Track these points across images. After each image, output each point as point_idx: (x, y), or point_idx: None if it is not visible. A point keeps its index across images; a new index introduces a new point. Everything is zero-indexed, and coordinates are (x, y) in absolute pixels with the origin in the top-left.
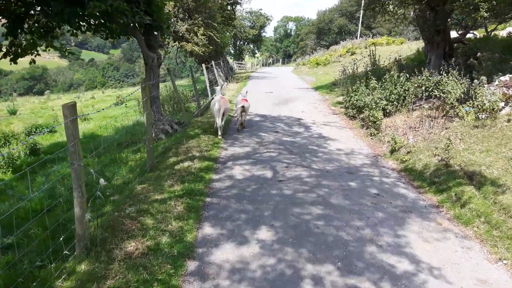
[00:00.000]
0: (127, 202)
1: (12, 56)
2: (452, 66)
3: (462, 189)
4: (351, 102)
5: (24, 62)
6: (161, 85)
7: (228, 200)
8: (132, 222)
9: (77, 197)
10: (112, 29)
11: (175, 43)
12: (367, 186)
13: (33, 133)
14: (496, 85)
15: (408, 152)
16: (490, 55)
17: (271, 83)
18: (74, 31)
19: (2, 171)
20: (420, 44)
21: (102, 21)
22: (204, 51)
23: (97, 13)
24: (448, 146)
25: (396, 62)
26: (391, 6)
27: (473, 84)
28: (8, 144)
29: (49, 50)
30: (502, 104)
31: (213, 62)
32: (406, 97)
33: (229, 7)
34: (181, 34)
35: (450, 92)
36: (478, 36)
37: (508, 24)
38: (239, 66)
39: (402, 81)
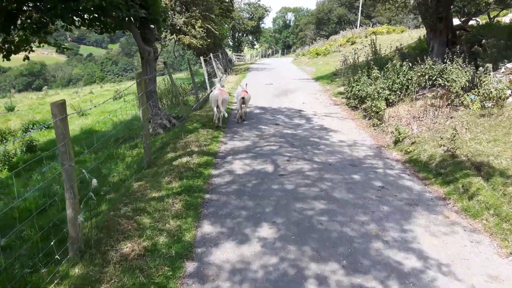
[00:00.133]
0: (123, 201)
1: (5, 53)
2: (457, 53)
3: (469, 181)
4: (352, 92)
5: (22, 58)
6: (159, 78)
7: (228, 196)
8: (128, 222)
9: (69, 198)
10: (107, 24)
11: (172, 36)
12: (371, 178)
13: (30, 130)
14: (502, 72)
15: (413, 143)
16: (495, 42)
17: (270, 74)
18: (68, 26)
19: None
20: (421, 32)
21: (96, 15)
22: (202, 43)
23: (91, 8)
24: (454, 136)
25: (397, 51)
26: None
27: (478, 72)
28: (5, 141)
29: (43, 46)
30: (509, 92)
31: (211, 55)
32: (409, 86)
33: None
34: (178, 27)
35: (455, 81)
36: (480, 23)
37: (510, 10)
38: (238, 58)
39: (404, 70)
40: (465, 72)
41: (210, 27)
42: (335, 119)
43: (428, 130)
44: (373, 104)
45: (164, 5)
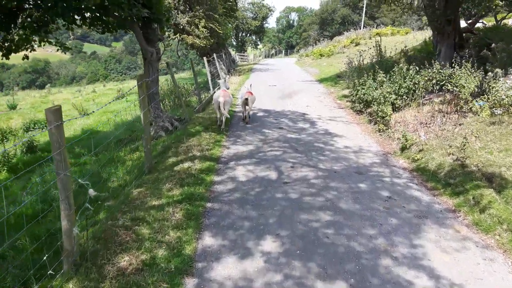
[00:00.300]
0: (122, 209)
1: (4, 52)
2: (465, 57)
3: (480, 192)
4: (358, 96)
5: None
6: (162, 78)
7: (230, 205)
8: (127, 233)
9: (65, 209)
10: (109, 23)
11: (175, 36)
12: (378, 188)
13: (32, 129)
14: None
15: (420, 150)
16: (505, 46)
17: (274, 76)
18: (69, 25)
19: None
20: (425, 34)
21: (98, 14)
22: (205, 43)
23: (92, 6)
24: (464, 145)
25: (403, 53)
26: None
27: (487, 77)
28: (5, 140)
29: (44, 45)
30: None
31: (214, 55)
32: (416, 91)
33: None
34: (181, 26)
35: (464, 86)
36: (486, 26)
37: None
38: (242, 58)
39: (411, 74)
40: (474, 77)
41: (213, 26)
42: (340, 124)
43: (436, 137)
44: (379, 109)
45: (167, 4)
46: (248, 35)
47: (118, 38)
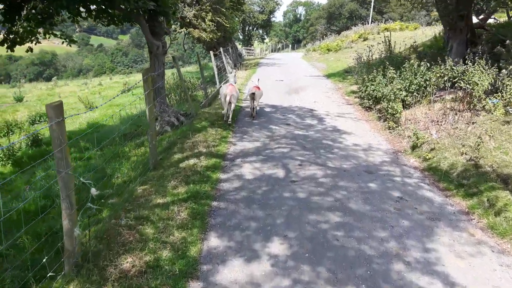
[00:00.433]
0: (126, 207)
1: (9, 44)
2: (479, 54)
3: (495, 194)
4: (367, 92)
5: (34, 47)
6: (168, 72)
7: (237, 205)
8: (130, 232)
9: (66, 209)
10: (114, 15)
11: (182, 30)
12: (389, 188)
13: (38, 122)
14: None
15: (432, 149)
16: None
17: (281, 70)
18: (74, 17)
19: (2, 164)
20: (435, 29)
21: (103, 6)
22: (212, 37)
23: None
24: (478, 144)
25: (412, 49)
26: None
27: (500, 74)
28: (11, 133)
29: (49, 37)
30: None
31: (221, 49)
32: (427, 88)
33: None
34: (188, 20)
35: (477, 84)
36: (498, 22)
37: None
38: (248, 52)
39: (422, 71)
40: (488, 74)
41: (220, 20)
42: (349, 120)
43: (448, 135)
44: (389, 106)
45: None
46: (254, 29)
47: (125, 31)
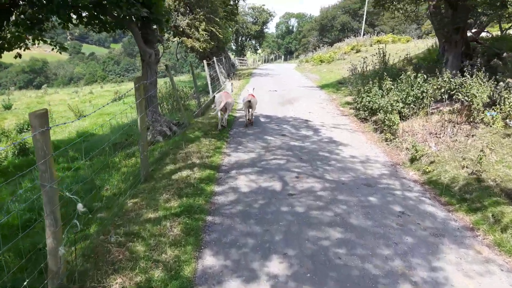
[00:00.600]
0: (115, 222)
1: None
2: (477, 66)
3: (501, 210)
4: (362, 103)
5: (24, 54)
6: (161, 81)
7: (233, 219)
8: (120, 250)
9: (50, 226)
10: (106, 22)
11: (175, 39)
12: (389, 202)
13: (25, 130)
14: None
15: (431, 162)
16: None
17: (274, 81)
18: (65, 23)
19: None
20: (427, 42)
21: (95, 13)
22: (205, 47)
23: (89, 4)
24: (481, 158)
25: (406, 61)
26: (401, 3)
27: (498, 87)
28: None
29: (38, 43)
30: None
31: (214, 59)
32: (424, 100)
33: (231, 2)
34: (181, 29)
35: (476, 96)
36: (491, 35)
37: None
38: (241, 62)
39: (419, 83)
40: (486, 87)
41: (214, 30)
42: (344, 132)
43: (448, 148)
44: (386, 118)
45: (167, 6)
46: (248, 39)
47: (117, 39)
